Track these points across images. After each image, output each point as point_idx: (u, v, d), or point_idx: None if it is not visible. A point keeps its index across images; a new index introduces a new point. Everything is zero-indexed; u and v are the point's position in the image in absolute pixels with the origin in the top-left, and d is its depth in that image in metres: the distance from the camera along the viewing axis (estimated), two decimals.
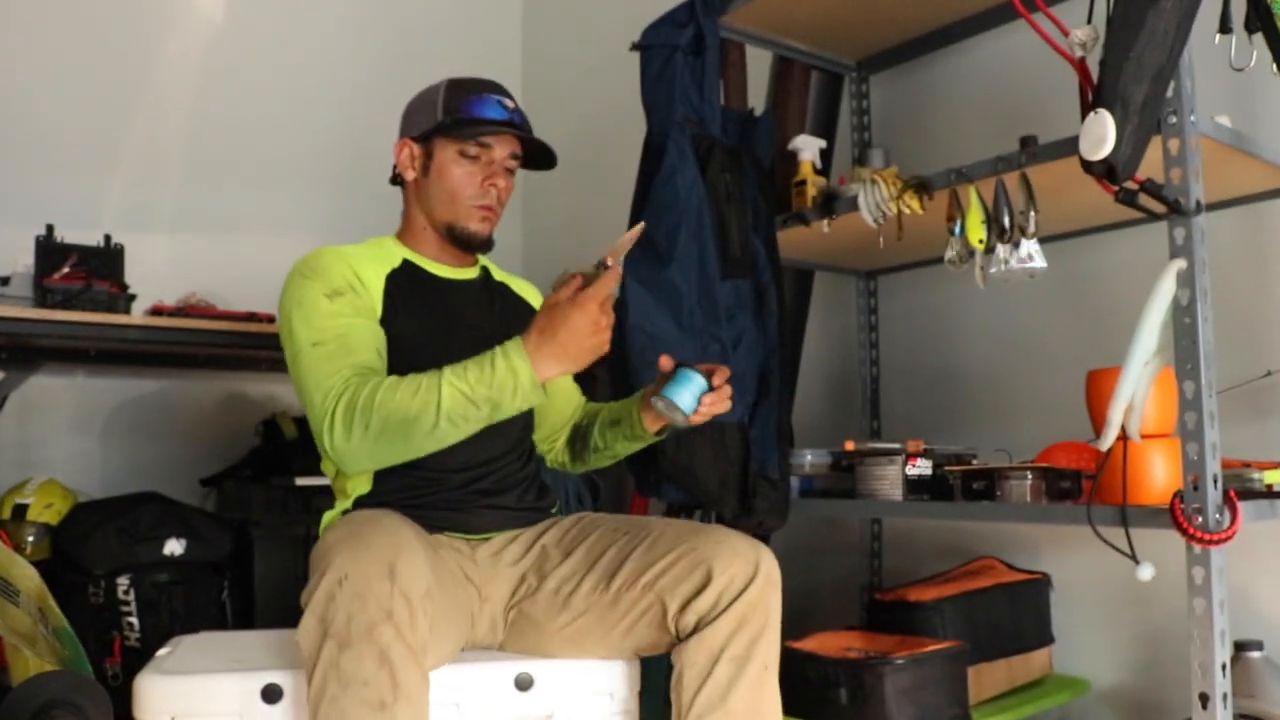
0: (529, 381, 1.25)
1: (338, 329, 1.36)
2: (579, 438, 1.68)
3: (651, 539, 1.35)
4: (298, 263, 1.46)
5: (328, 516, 1.46)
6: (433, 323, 1.48)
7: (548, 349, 1.25)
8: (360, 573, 1.09)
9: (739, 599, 1.25)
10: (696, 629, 1.27)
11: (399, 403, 1.25)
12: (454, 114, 1.48)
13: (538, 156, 1.55)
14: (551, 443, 1.72)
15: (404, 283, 1.49)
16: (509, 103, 1.51)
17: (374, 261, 1.48)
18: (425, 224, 1.54)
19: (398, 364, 1.40)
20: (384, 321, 1.43)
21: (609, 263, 1.29)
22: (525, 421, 1.55)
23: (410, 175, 1.53)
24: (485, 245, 1.53)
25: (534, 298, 1.69)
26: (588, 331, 1.24)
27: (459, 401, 1.25)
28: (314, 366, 1.33)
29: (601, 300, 1.25)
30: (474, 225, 1.50)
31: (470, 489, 1.46)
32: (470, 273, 1.59)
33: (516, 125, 1.49)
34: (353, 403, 1.27)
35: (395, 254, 1.53)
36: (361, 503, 1.42)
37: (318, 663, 1.09)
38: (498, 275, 1.66)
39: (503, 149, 1.50)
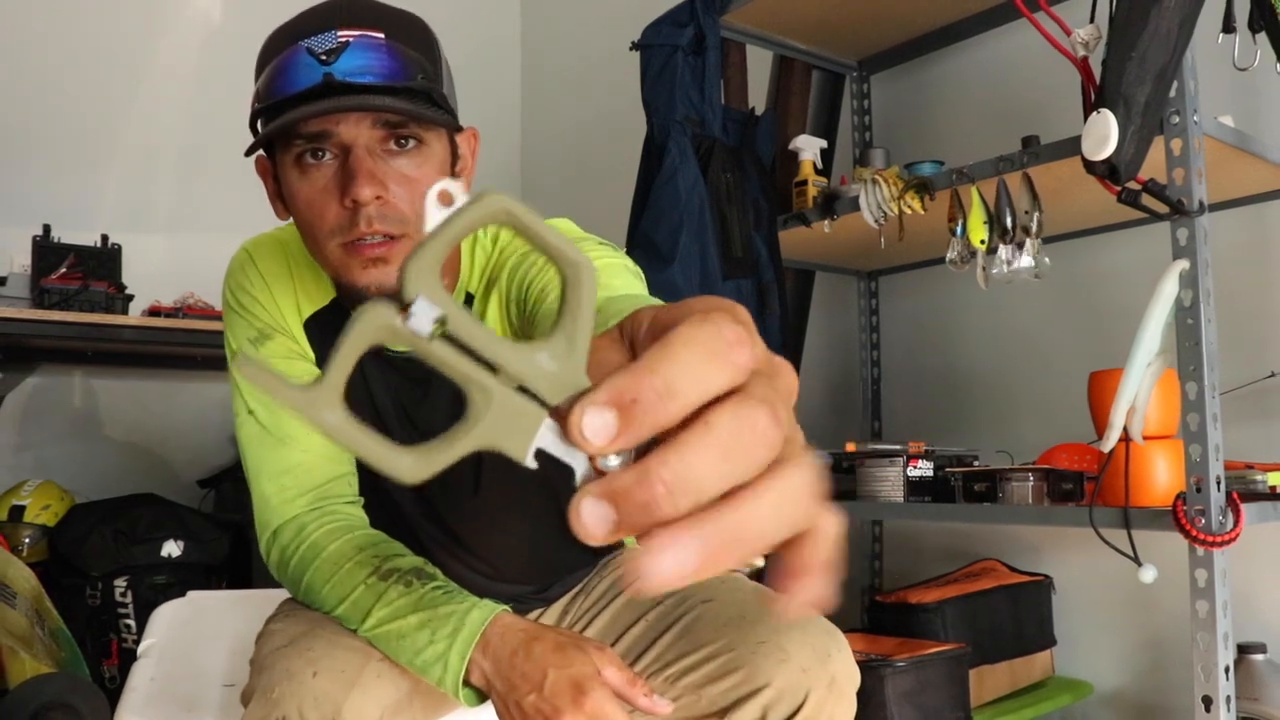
0: (453, 685, 0.92)
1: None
2: None
3: (686, 623, 1.02)
4: (228, 271, 1.10)
5: None
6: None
7: (489, 676, 0.91)
8: (299, 716, 0.88)
9: (794, 718, 0.93)
10: None
11: (323, 601, 1.01)
12: (262, 98, 0.88)
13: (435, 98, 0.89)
14: None
15: (323, 336, 1.06)
16: (343, 36, 0.85)
17: (304, 288, 1.06)
18: None
19: None
20: None
21: None
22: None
23: (279, 212, 0.98)
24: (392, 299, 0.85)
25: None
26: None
27: (382, 639, 0.96)
28: (249, 446, 1.07)
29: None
30: (357, 278, 0.90)
31: (480, 581, 1.16)
32: None
33: (335, 88, 0.83)
34: (283, 565, 1.05)
35: (328, 281, 1.03)
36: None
37: None
38: (488, 276, 1.01)
39: (355, 125, 0.86)
